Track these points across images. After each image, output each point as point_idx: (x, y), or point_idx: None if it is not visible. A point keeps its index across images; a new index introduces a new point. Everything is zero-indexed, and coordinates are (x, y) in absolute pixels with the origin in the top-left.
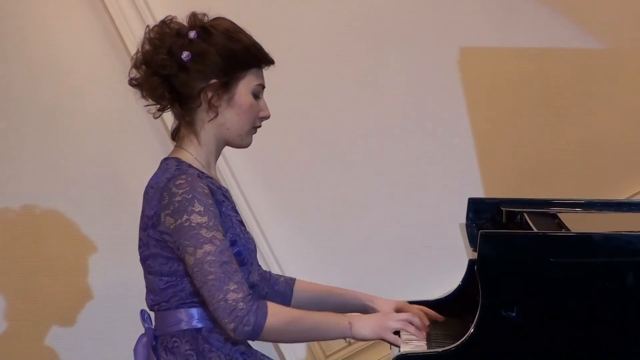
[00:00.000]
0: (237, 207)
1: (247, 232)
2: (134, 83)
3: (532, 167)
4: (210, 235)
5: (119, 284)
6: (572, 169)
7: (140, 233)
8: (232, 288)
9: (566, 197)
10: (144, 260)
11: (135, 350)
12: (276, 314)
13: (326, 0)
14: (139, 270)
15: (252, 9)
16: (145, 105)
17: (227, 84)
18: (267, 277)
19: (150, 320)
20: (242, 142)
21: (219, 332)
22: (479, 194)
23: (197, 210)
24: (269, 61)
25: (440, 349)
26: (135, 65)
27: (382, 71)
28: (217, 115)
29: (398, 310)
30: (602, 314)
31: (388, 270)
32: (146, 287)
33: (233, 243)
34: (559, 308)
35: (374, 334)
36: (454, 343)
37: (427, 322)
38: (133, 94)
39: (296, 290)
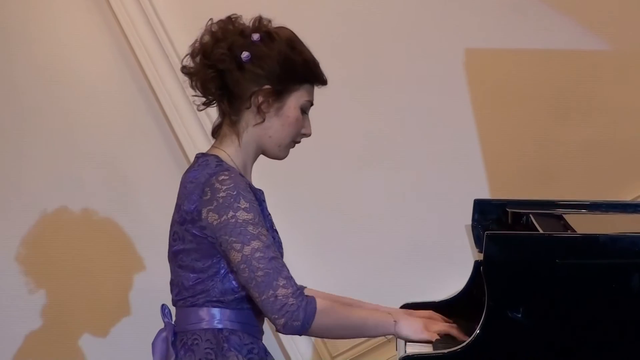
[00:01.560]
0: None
1: (276, 238)
2: (186, 71)
3: (538, 168)
4: (257, 231)
5: (125, 285)
6: (578, 170)
7: (175, 227)
8: (281, 283)
9: (572, 198)
10: (175, 254)
11: (153, 344)
12: (325, 310)
13: (330, 1)
14: (145, 271)
15: (253, 8)
16: (193, 96)
17: (279, 93)
18: None
19: (171, 316)
20: (278, 153)
21: (240, 335)
22: (485, 195)
23: (242, 206)
24: (323, 81)
25: (446, 350)
26: (192, 55)
27: (388, 72)
28: (263, 121)
29: (430, 316)
30: (608, 315)
31: (393, 271)
32: (172, 281)
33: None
34: (565, 309)
35: (416, 335)
36: (460, 344)
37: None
38: (141, 96)
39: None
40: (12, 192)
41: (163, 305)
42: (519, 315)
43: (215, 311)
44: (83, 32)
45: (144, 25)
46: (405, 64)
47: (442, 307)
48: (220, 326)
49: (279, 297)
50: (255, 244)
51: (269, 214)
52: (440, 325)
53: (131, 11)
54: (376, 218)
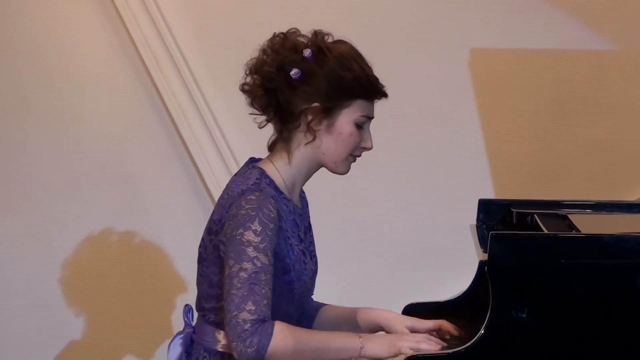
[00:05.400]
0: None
1: (306, 263)
2: (244, 89)
3: (543, 168)
4: (255, 255)
5: (130, 286)
6: (583, 170)
7: (204, 233)
8: (248, 308)
9: (577, 198)
10: (199, 260)
11: (170, 345)
12: (282, 334)
13: (335, 0)
14: (150, 272)
15: (257, 9)
16: (251, 114)
17: (329, 110)
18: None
19: (192, 316)
20: (337, 169)
21: None
22: (490, 195)
23: (254, 228)
24: (380, 94)
25: (450, 350)
26: (249, 71)
27: (393, 72)
28: (314, 139)
29: (413, 327)
30: (613, 315)
31: (398, 271)
32: (197, 286)
33: (287, 271)
34: (569, 309)
35: (386, 353)
36: (464, 344)
37: (442, 343)
38: (146, 97)
39: (321, 312)
40: (16, 192)
41: (187, 305)
42: (524, 316)
43: None
44: (88, 33)
45: (149, 25)
46: (410, 63)
47: (447, 308)
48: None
49: (239, 320)
50: (246, 265)
51: (302, 242)
52: (409, 342)
53: (136, 12)
54: (380, 218)
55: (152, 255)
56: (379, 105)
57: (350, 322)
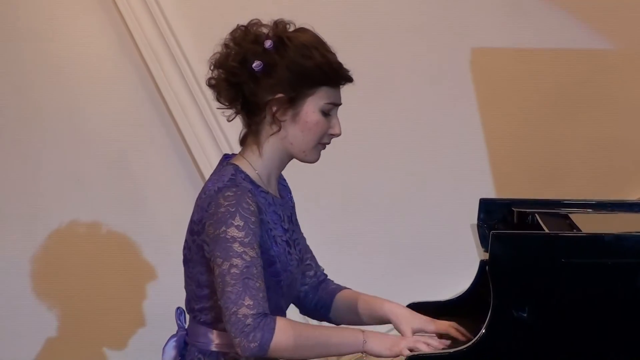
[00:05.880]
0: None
1: (291, 253)
2: (211, 83)
3: (544, 167)
4: (242, 250)
5: (131, 284)
6: (584, 170)
7: (187, 234)
8: (246, 303)
9: (577, 197)
10: (184, 262)
11: (164, 348)
12: (284, 329)
13: (335, 0)
14: (150, 270)
15: (259, 7)
16: (218, 108)
17: (293, 100)
18: (316, 284)
19: (185, 318)
20: (306, 158)
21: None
22: (491, 194)
23: (236, 224)
24: (344, 79)
25: (451, 350)
26: (214, 65)
27: (394, 71)
28: (280, 129)
29: (420, 329)
30: (614, 314)
31: (399, 270)
32: (185, 288)
33: (272, 263)
34: (570, 309)
35: (387, 351)
36: (465, 344)
37: (448, 342)
38: (147, 96)
39: (337, 299)
40: (17, 192)
41: (179, 308)
42: (525, 315)
43: (224, 335)
44: (90, 32)
45: (150, 24)
46: (411, 62)
47: (448, 307)
48: (227, 350)
49: (239, 316)
50: (235, 261)
51: (285, 232)
52: (409, 342)
53: (137, 11)
54: (381, 217)
55: (153, 255)
56: (381, 103)
57: (362, 311)
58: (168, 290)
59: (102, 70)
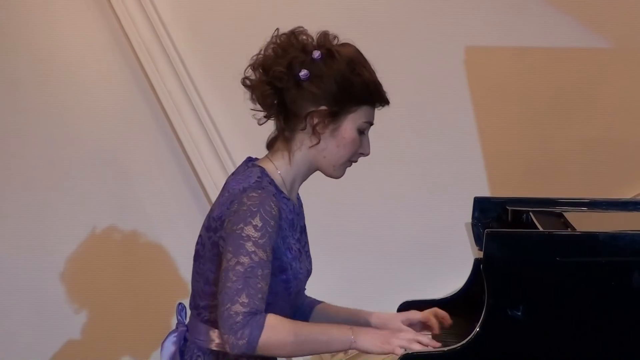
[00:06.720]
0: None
1: (301, 261)
2: (247, 83)
3: (538, 166)
4: (253, 250)
5: (126, 284)
6: (578, 168)
7: (202, 230)
8: (241, 301)
9: (572, 196)
10: (195, 258)
11: (163, 344)
12: (273, 326)
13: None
14: (144, 268)
15: (253, 7)
16: (252, 109)
17: (335, 114)
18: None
19: (186, 314)
20: (333, 173)
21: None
22: (485, 193)
23: (254, 223)
24: (384, 102)
25: (446, 348)
26: (253, 66)
27: (388, 70)
28: (319, 142)
29: (407, 320)
30: (608, 313)
31: (393, 269)
32: (192, 284)
33: (284, 270)
34: (564, 307)
35: (378, 349)
36: (459, 342)
37: (436, 330)
38: (141, 95)
39: (316, 311)
40: (12, 190)
41: (180, 303)
42: (519, 313)
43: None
44: (83, 31)
45: (144, 24)
46: (405, 61)
47: (442, 305)
48: (227, 349)
49: (231, 313)
50: (243, 259)
51: (299, 242)
52: (402, 340)
53: (132, 10)
54: (376, 216)
55: (147, 254)
56: None
57: (344, 321)
58: (162, 289)
59: (97, 70)
